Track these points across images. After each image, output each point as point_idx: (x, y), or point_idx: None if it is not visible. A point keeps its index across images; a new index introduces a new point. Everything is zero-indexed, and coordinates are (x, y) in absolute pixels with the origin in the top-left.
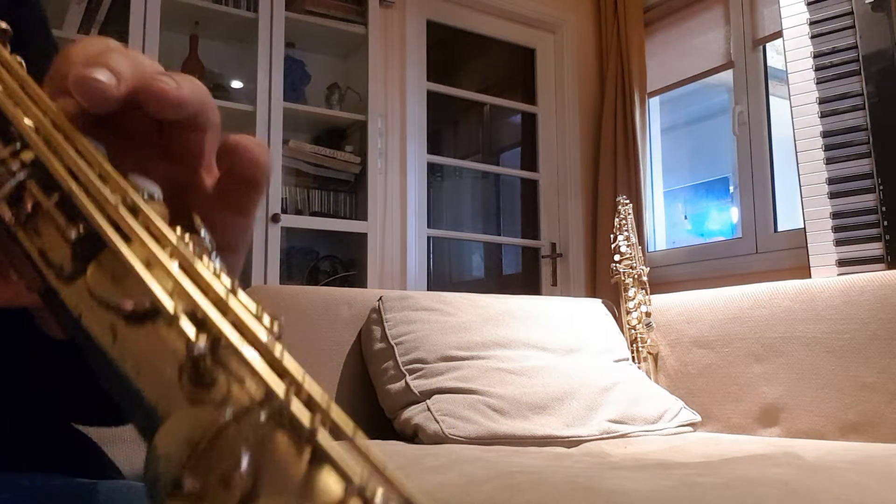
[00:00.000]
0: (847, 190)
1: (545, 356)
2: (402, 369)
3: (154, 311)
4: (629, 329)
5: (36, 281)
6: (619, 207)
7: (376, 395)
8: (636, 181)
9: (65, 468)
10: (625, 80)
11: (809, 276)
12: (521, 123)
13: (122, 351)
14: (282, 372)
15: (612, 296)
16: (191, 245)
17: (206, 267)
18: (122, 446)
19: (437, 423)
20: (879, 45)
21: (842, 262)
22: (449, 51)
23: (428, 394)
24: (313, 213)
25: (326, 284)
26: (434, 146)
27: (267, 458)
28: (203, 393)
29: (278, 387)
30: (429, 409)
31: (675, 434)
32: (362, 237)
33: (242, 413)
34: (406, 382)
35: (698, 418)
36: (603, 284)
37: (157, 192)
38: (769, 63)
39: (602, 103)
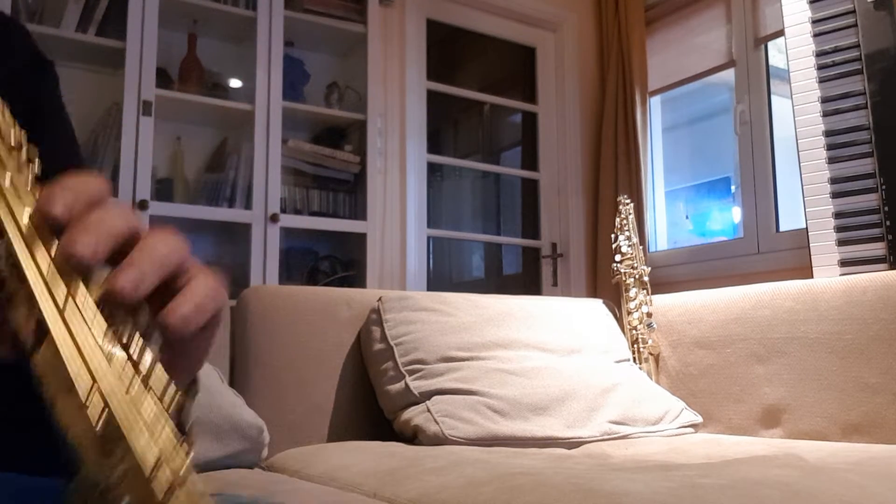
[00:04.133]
0: (849, 190)
1: (546, 357)
2: (402, 370)
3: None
4: (630, 329)
5: (18, 346)
6: (620, 207)
7: (376, 396)
8: (637, 181)
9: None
10: (626, 78)
11: (811, 277)
12: (521, 123)
13: (57, 414)
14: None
15: (613, 296)
16: (128, 333)
17: (132, 349)
18: None
19: (437, 424)
20: (881, 44)
21: (844, 263)
22: (449, 50)
23: (428, 395)
24: (312, 213)
25: (326, 285)
26: (434, 146)
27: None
28: (105, 455)
29: (149, 459)
30: (429, 410)
31: (676, 435)
32: (362, 237)
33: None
34: (406, 383)
35: (700, 419)
36: (604, 285)
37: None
38: (771, 62)
39: (603, 102)
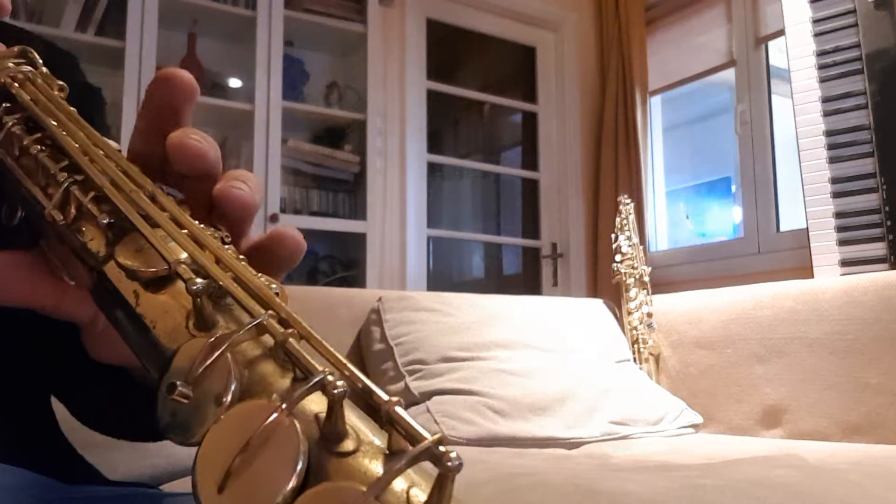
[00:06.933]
0: (850, 189)
1: (546, 357)
2: (402, 370)
3: (168, 278)
4: (630, 330)
5: (81, 273)
6: (621, 207)
7: None
8: (637, 180)
9: (51, 471)
10: (626, 78)
11: (812, 277)
12: (521, 122)
13: (143, 310)
14: (278, 311)
15: (614, 296)
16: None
17: (215, 238)
18: (98, 452)
19: (437, 424)
20: (882, 44)
21: (845, 263)
22: (449, 49)
23: (428, 395)
24: (312, 213)
25: (325, 285)
26: (434, 145)
27: (251, 373)
28: (204, 333)
29: (267, 320)
30: (429, 411)
31: (676, 435)
32: (361, 237)
33: (233, 342)
34: (406, 384)
35: (700, 420)
36: (604, 285)
37: (180, 196)
38: (771, 61)
39: (603, 102)
